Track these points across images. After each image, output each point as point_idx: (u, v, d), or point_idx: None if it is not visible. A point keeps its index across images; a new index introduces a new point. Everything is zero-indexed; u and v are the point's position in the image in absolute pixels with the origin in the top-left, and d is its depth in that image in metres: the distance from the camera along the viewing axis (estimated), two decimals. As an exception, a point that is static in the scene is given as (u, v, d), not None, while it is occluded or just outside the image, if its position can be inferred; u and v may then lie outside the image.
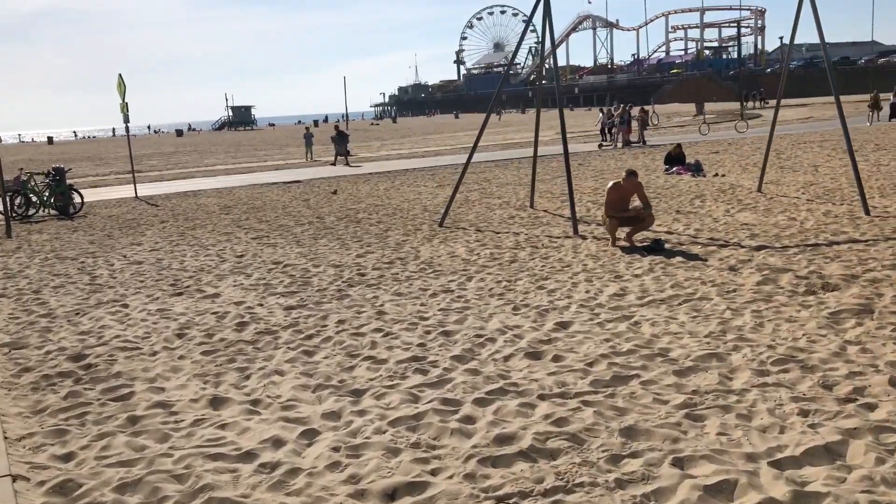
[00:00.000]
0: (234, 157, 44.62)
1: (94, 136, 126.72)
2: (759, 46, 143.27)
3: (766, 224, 11.89)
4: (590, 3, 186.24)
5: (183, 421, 4.93)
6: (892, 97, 36.03)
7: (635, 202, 11.08)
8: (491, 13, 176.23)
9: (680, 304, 7.41)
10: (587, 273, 9.07)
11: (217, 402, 5.22)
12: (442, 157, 33.14)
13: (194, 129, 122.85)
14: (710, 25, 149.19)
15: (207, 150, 52.76)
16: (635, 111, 34.37)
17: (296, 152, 47.44)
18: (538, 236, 12.08)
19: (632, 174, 10.77)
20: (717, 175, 19.33)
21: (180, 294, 8.91)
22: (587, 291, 8.10)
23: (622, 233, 10.94)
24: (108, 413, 5.16)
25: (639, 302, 7.54)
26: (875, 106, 34.43)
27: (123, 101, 22.67)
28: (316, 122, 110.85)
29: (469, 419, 4.73)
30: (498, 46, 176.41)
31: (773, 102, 65.14)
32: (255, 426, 4.78)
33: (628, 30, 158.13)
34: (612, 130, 33.20)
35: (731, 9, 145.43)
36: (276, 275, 9.90)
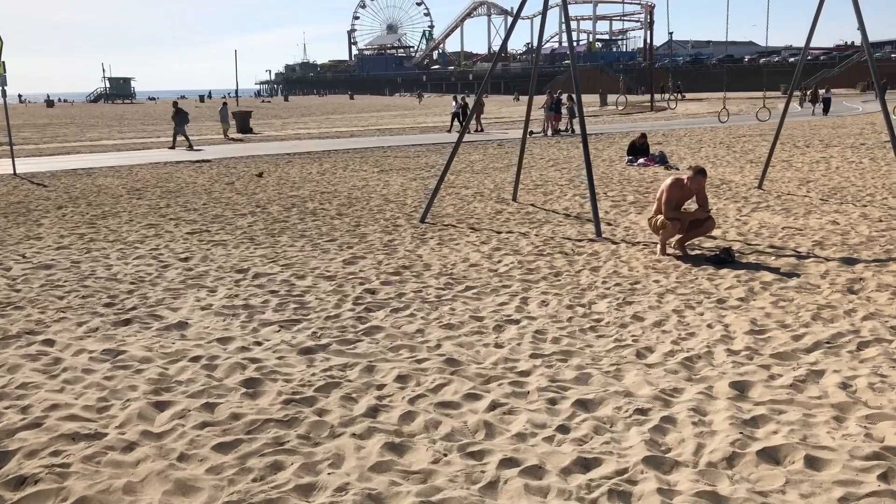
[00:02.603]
0: (120, 131, 40.35)
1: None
2: (649, 41, 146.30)
3: (811, 229, 10.18)
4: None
5: None
6: (824, 92, 35.96)
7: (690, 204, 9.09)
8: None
9: (858, 349, 5.40)
10: (675, 295, 6.96)
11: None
12: (360, 139, 30.49)
13: (66, 101, 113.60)
14: (602, 18, 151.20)
15: (87, 123, 47.83)
16: (565, 98, 32.59)
17: (189, 128, 43.49)
18: (554, 238, 9.93)
19: (701, 172, 8.77)
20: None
21: (128, 322, 6.20)
22: (709, 326, 5.99)
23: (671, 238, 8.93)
24: None
25: (801, 346, 5.49)
26: (814, 99, 34.18)
27: None
28: (202, 98, 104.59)
29: None
30: (391, 28, 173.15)
31: (686, 96, 65.22)
32: None
33: (523, 18, 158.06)
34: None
35: (622, 2, 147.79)
36: (250, 290, 7.31)
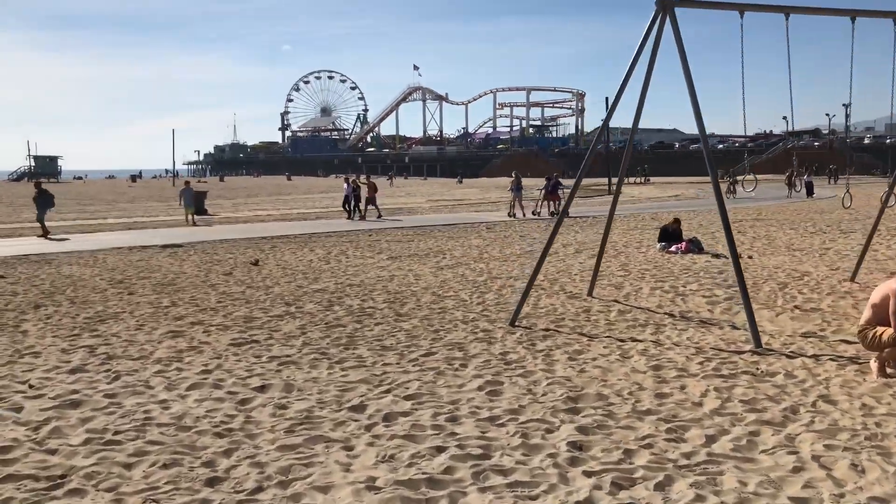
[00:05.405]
0: (59, 212, 37.04)
1: None
2: (580, 127, 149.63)
3: None
4: (420, 75, 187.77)
5: None
6: (805, 176, 35.69)
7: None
8: (318, 78, 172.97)
9: None
10: None
11: None
12: (331, 221, 28.23)
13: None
14: (535, 105, 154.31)
15: (18, 203, 44.25)
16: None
17: (131, 208, 40.65)
18: (701, 348, 7.95)
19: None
20: (741, 257, 16.05)
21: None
22: None
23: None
24: None
25: None
26: (790, 183, 33.77)
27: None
28: (133, 178, 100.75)
29: None
30: (325, 111, 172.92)
31: (652, 180, 64.95)
32: None
33: (457, 104, 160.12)
34: (516, 202, 29.43)
35: (554, 90, 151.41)
36: (399, 444, 5.04)
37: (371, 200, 29.45)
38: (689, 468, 4.64)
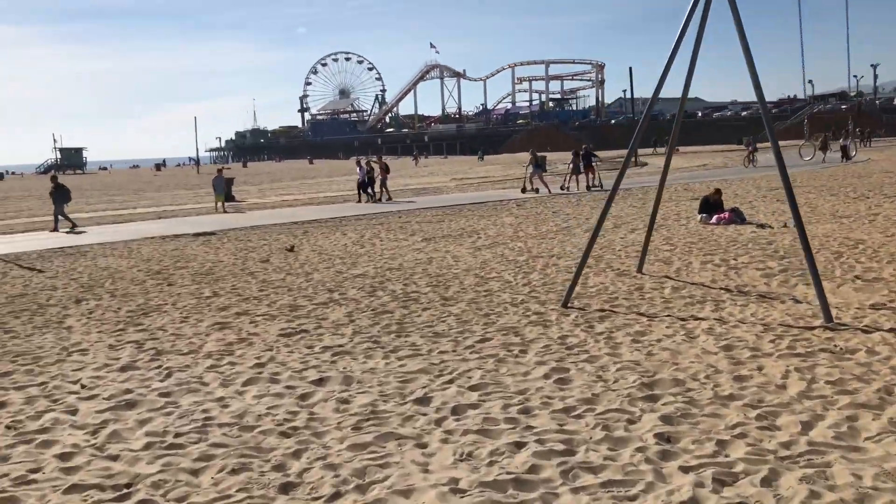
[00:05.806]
0: (88, 202, 37.26)
1: None
2: (600, 99, 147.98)
3: None
4: (437, 52, 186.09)
5: None
6: (841, 141, 34.91)
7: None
8: (336, 60, 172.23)
9: None
10: None
11: None
12: (359, 205, 27.86)
13: (16, 173, 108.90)
14: (554, 78, 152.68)
15: (47, 196, 44.39)
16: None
17: (159, 197, 40.68)
18: (768, 325, 7.59)
19: None
20: (786, 226, 15.61)
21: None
22: None
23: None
24: None
25: None
26: (824, 148, 33.07)
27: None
28: (158, 167, 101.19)
29: None
30: (343, 93, 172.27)
31: (680, 149, 63.87)
32: None
33: (475, 80, 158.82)
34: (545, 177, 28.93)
35: (573, 62, 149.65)
36: (474, 440, 4.76)
37: (381, 182, 28.56)
38: (791, 460, 4.33)
